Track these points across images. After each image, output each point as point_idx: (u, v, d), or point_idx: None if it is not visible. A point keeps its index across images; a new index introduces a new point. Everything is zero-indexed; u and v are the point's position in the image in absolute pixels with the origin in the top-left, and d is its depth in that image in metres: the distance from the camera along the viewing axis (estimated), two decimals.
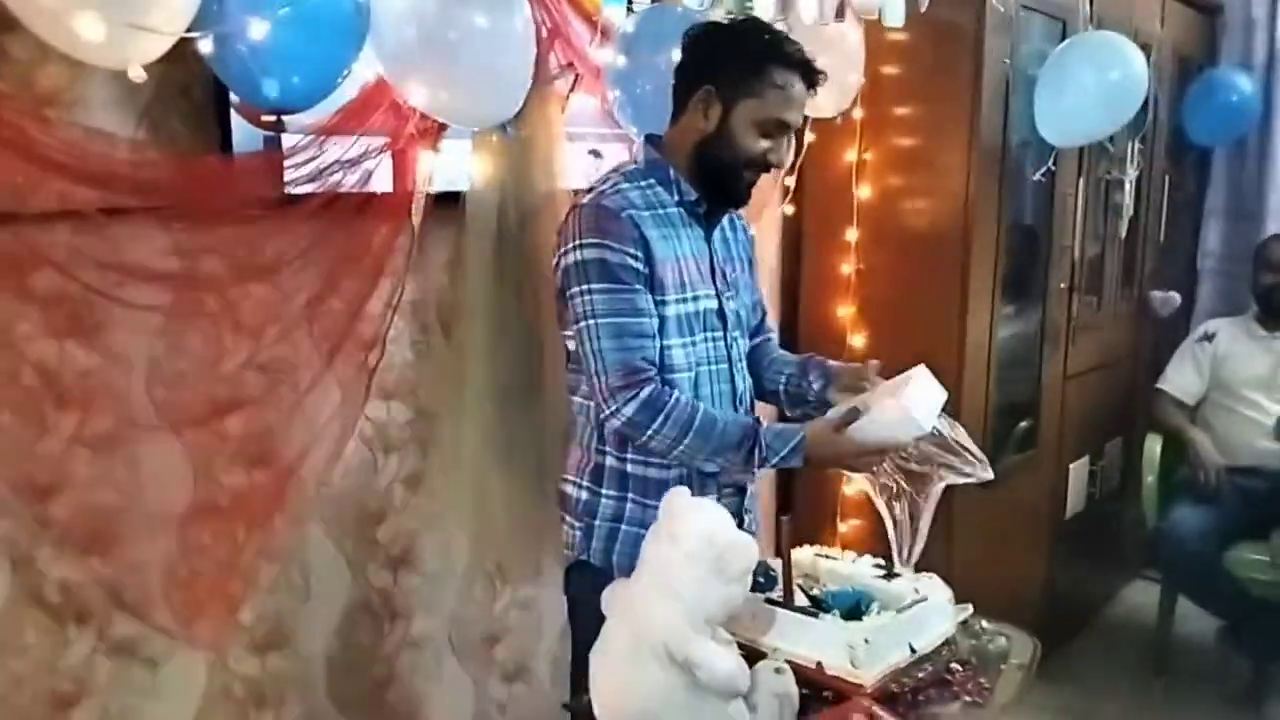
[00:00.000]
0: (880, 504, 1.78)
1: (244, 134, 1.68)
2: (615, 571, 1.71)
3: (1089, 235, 3.21)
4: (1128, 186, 3.30)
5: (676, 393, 1.67)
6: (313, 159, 1.73)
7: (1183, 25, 3.68)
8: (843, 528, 2.90)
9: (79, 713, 1.65)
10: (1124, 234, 3.38)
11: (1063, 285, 3.09)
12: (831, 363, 1.90)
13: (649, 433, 1.63)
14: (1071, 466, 3.30)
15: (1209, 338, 3.32)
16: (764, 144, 1.71)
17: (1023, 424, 3.08)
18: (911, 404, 1.63)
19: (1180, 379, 3.30)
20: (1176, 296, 3.70)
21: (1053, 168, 2.88)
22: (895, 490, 1.77)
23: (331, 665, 2.01)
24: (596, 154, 2.25)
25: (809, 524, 2.83)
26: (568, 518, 1.83)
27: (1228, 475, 3.03)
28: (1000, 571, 2.91)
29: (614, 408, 1.64)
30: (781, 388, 1.92)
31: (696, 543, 1.38)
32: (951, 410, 1.79)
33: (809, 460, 1.67)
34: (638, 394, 1.62)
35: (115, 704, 1.69)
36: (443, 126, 1.88)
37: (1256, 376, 3.17)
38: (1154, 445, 3.25)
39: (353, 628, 2.04)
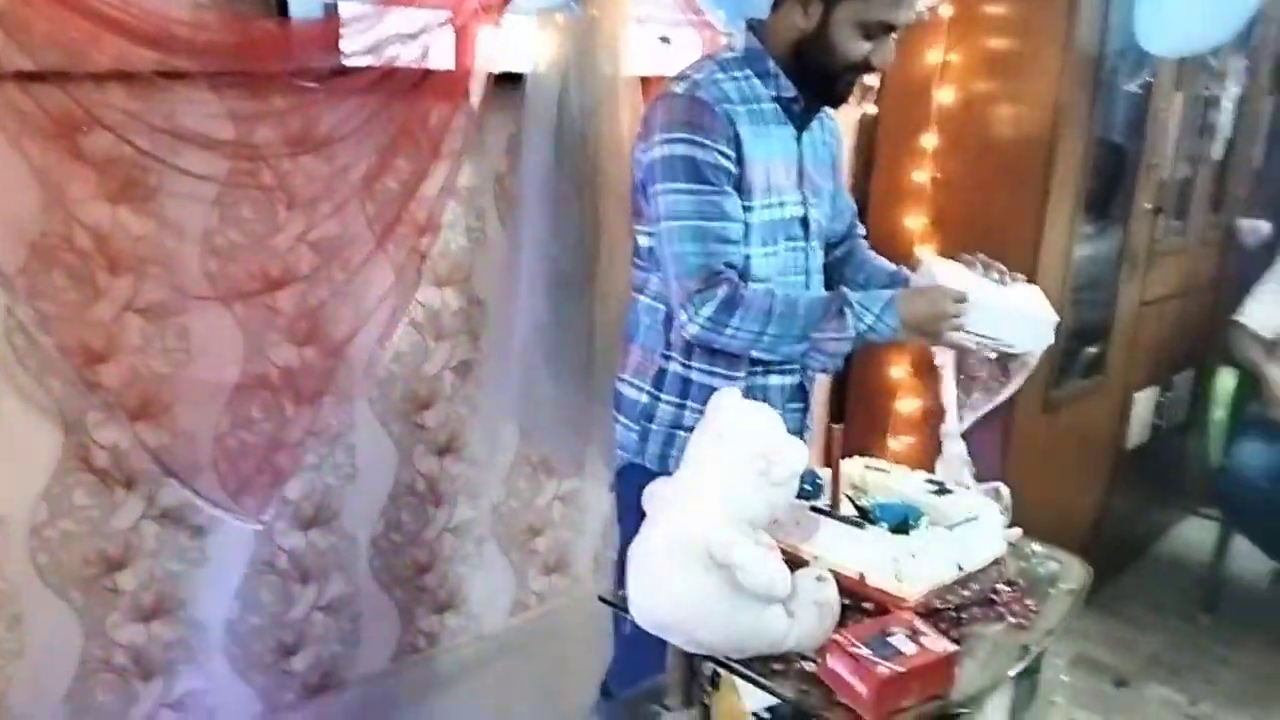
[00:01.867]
0: (949, 366, 1.72)
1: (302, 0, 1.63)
2: None
3: (1180, 155, 3.03)
4: (1227, 105, 3.09)
5: (752, 285, 1.60)
6: (371, 29, 1.68)
7: None
8: (894, 444, 2.85)
9: (125, 575, 1.69)
10: (1218, 156, 3.19)
11: (1148, 207, 2.93)
12: None
13: (730, 330, 1.57)
14: (1138, 396, 3.18)
15: None
16: (866, 46, 1.59)
17: (1090, 349, 2.97)
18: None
19: (1261, 312, 3.13)
20: (1266, 225, 3.50)
21: (1149, 79, 2.70)
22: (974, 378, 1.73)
23: (375, 545, 2.04)
24: (666, 40, 2.15)
25: (860, 438, 2.78)
26: (623, 418, 1.79)
27: None
28: (1055, 497, 2.84)
29: (691, 312, 1.57)
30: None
31: (743, 442, 1.34)
32: None
33: (903, 323, 1.57)
34: (715, 294, 1.56)
35: (161, 569, 1.73)
36: (506, 1, 1.81)
37: None
38: (1226, 379, 3.12)
39: (397, 510, 2.06)
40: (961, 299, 1.58)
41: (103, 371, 1.59)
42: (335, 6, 1.66)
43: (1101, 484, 3.16)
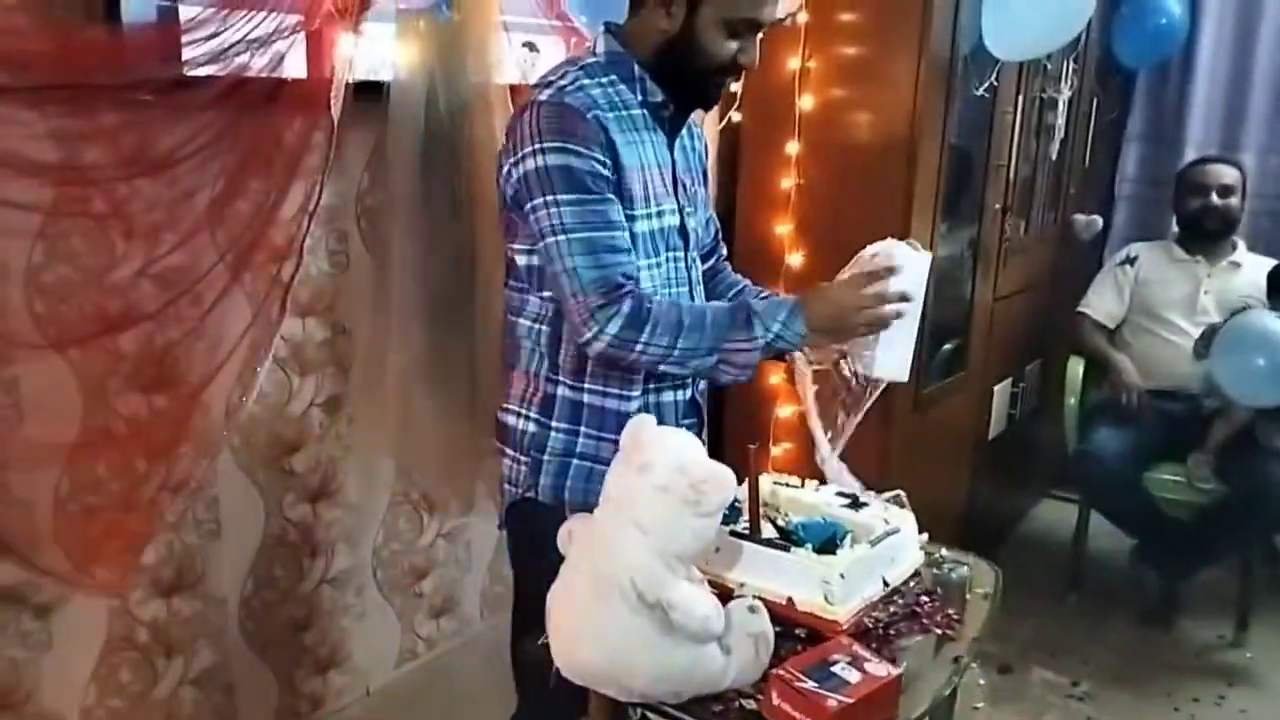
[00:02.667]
0: (809, 395, 1.68)
1: (135, 2, 1.45)
2: (567, 508, 1.57)
3: (1023, 156, 3.15)
4: (1061, 106, 3.24)
5: (656, 297, 1.52)
6: (215, 35, 1.52)
7: None
8: (775, 451, 2.83)
9: None
10: (1055, 155, 3.34)
11: (997, 206, 3.03)
12: None
13: (640, 346, 1.48)
14: (995, 389, 3.29)
15: (1130, 261, 3.32)
16: (732, 45, 1.53)
17: (950, 346, 3.05)
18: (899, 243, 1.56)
19: (1101, 302, 3.31)
20: (1099, 220, 3.70)
21: (995, 83, 2.79)
22: (842, 386, 1.68)
23: (246, 606, 1.86)
24: (532, 47, 2.05)
25: (741, 448, 2.74)
26: (510, 451, 1.66)
27: (1148, 398, 3.07)
28: (928, 491, 2.87)
29: (595, 330, 1.47)
30: None
31: (669, 474, 1.26)
32: None
33: (810, 325, 1.51)
34: (620, 309, 1.46)
35: (1, 658, 1.50)
36: (365, 4, 1.67)
37: (1177, 300, 3.20)
38: (1076, 368, 3.27)
39: (269, 565, 1.88)
40: (864, 279, 1.53)
41: None
42: (174, 10, 1.49)
43: (966, 475, 3.25)
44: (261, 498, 1.85)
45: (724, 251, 1.87)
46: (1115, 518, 3.13)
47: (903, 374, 1.61)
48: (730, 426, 2.89)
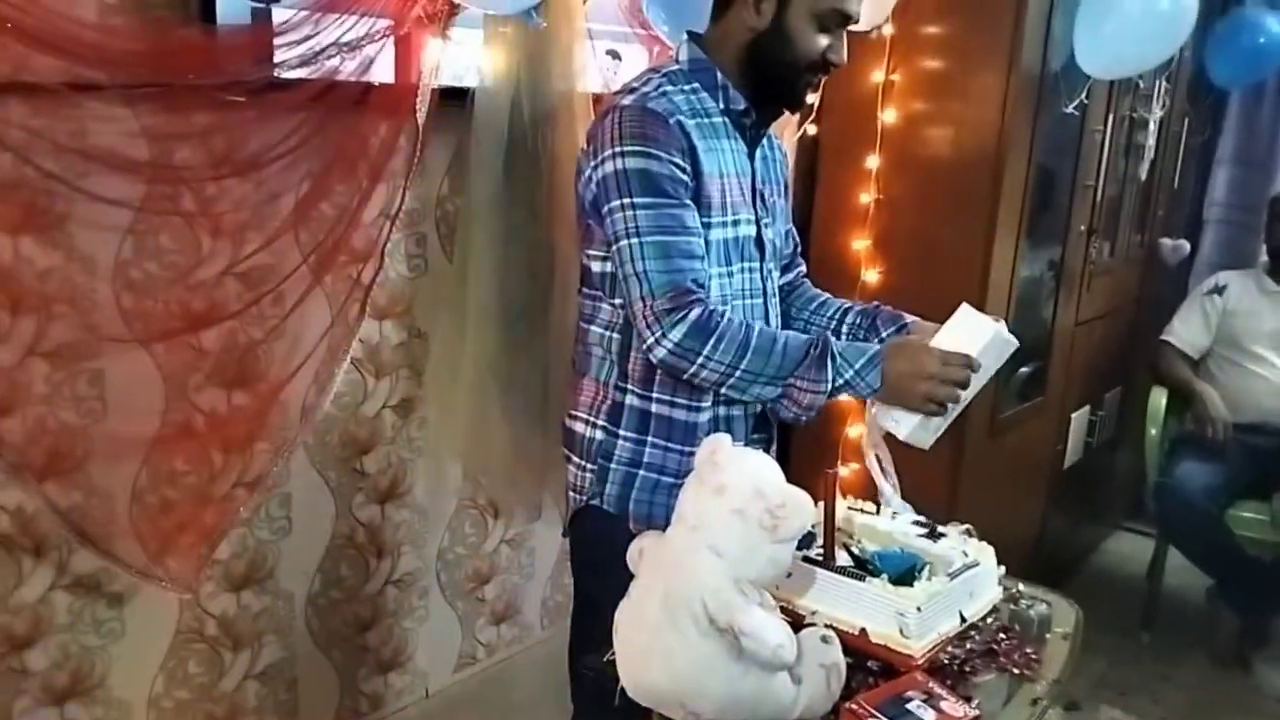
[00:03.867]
0: (873, 438, 1.62)
1: (230, 3, 1.47)
2: (630, 519, 1.56)
3: (1111, 176, 3.06)
4: (1152, 127, 3.14)
5: (728, 311, 1.48)
6: (307, 38, 1.52)
7: None
8: (844, 471, 2.78)
9: (35, 654, 1.49)
10: (1144, 177, 3.24)
11: (1083, 228, 2.95)
12: (911, 317, 1.66)
13: (701, 359, 1.45)
14: (1073, 416, 3.20)
15: (1219, 290, 3.21)
16: (823, 40, 1.51)
17: (1024, 369, 2.97)
18: (988, 321, 1.49)
19: (1187, 331, 3.20)
20: (1186, 245, 3.59)
21: (1085, 101, 2.71)
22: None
23: (313, 603, 1.87)
24: (615, 55, 2.04)
25: (809, 468, 2.70)
26: (576, 458, 1.64)
27: (1233, 432, 2.96)
28: (1000, 519, 2.81)
29: (659, 333, 1.44)
30: (846, 333, 1.71)
31: (746, 497, 1.23)
32: None
33: (884, 379, 1.46)
34: (686, 315, 1.43)
35: (76, 644, 1.53)
36: (454, 11, 1.67)
37: (1267, 332, 3.08)
38: (1159, 398, 3.16)
39: (336, 564, 1.89)
40: (961, 362, 1.46)
41: (4, 425, 1.39)
42: (268, 12, 1.50)
43: (1040, 503, 3.17)
44: (333, 497, 1.86)
45: (803, 266, 1.84)
46: (1194, 555, 3.02)
47: (927, 444, 1.53)
48: (798, 444, 2.85)
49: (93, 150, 1.40)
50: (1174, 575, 3.14)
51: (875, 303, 1.75)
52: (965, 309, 1.53)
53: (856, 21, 1.54)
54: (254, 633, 1.77)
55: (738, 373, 1.47)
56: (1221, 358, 3.16)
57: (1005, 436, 2.81)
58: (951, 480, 2.64)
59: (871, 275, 2.69)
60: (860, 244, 2.70)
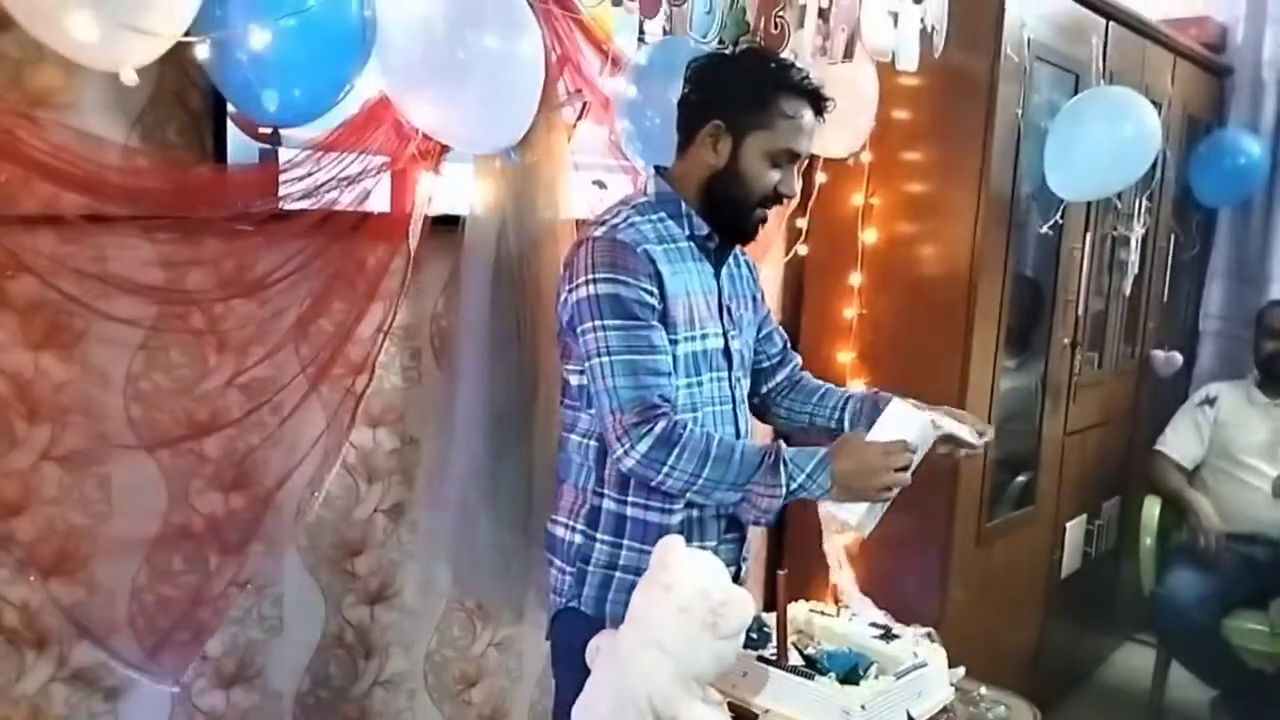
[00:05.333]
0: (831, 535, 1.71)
1: (239, 145, 1.64)
2: (608, 621, 1.63)
3: (1093, 291, 3.16)
4: (1134, 244, 3.26)
5: (690, 423, 1.60)
6: (309, 174, 1.68)
7: (1193, 85, 3.67)
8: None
9: None
10: (1128, 291, 3.34)
11: (1066, 341, 3.04)
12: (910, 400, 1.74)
13: (665, 469, 1.55)
14: (1068, 525, 3.23)
15: (1210, 402, 3.27)
16: (774, 175, 1.66)
17: (1019, 479, 3.03)
18: (911, 408, 1.61)
19: (1180, 443, 3.25)
20: (1178, 357, 3.66)
21: (1060, 221, 2.84)
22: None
23: (301, 702, 1.93)
24: (601, 184, 2.20)
25: (802, 574, 2.75)
26: (557, 561, 1.75)
27: (1227, 542, 2.97)
28: (993, 630, 2.84)
29: (628, 445, 1.56)
30: (849, 420, 1.82)
31: (691, 596, 1.32)
32: (951, 462, 1.75)
33: (834, 479, 1.55)
34: (651, 429, 1.55)
35: None
36: (445, 148, 1.84)
37: (1257, 443, 3.13)
38: (1153, 508, 3.20)
39: (325, 663, 1.96)
40: (901, 449, 1.57)
41: (15, 525, 1.51)
42: (275, 152, 1.67)
43: (1038, 614, 3.17)
44: (323, 597, 1.94)
45: (798, 359, 1.96)
46: (1193, 666, 3.01)
47: (866, 530, 1.62)
48: (792, 546, 2.90)
49: (111, 275, 1.54)
50: (1179, 688, 3.11)
51: (874, 389, 1.87)
52: (897, 402, 1.64)
53: (805, 158, 1.70)
54: None
55: (700, 480, 1.57)
56: (1214, 468, 3.20)
57: (994, 545, 2.85)
58: (940, 588, 2.68)
59: (857, 386, 2.79)
60: (845, 356, 2.81)
